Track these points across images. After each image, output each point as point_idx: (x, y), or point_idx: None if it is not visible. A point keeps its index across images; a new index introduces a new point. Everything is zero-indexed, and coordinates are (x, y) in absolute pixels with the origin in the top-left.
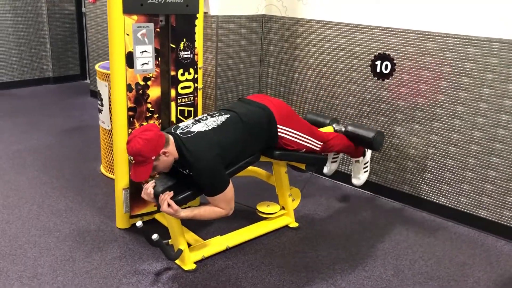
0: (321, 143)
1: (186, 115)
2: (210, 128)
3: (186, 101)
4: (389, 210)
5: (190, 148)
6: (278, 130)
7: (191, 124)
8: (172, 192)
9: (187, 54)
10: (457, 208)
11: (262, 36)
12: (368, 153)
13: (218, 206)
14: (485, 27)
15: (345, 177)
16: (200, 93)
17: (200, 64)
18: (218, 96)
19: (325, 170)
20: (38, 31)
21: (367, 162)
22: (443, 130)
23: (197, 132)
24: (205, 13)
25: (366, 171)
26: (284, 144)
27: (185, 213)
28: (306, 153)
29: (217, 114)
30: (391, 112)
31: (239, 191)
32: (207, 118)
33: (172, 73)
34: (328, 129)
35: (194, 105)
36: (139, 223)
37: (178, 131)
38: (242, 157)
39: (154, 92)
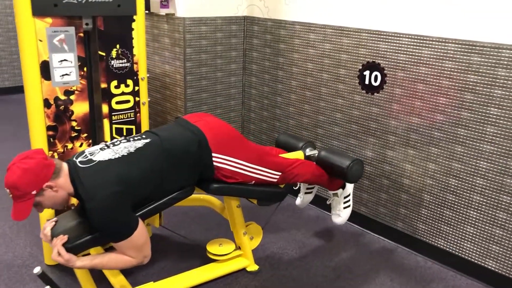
0: (279, 173)
1: (125, 134)
2: (117, 156)
3: (123, 118)
4: (376, 250)
5: (85, 182)
6: (214, 159)
7: (99, 150)
8: (66, 236)
9: (122, 63)
10: (459, 254)
11: (244, 40)
12: (349, 185)
13: (126, 254)
14: (492, 31)
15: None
16: (144, 108)
17: (142, 74)
18: (188, 108)
19: (297, 201)
20: None
21: (349, 195)
22: (442, 157)
23: (99, 161)
24: (172, 14)
25: (348, 206)
26: (223, 176)
27: (82, 262)
28: (256, 186)
29: (137, 138)
30: (382, 133)
31: (190, 223)
32: (119, 143)
33: (103, 85)
34: (297, 155)
35: (135, 122)
36: (36, 270)
37: (79, 159)
38: (162, 193)
39: (80, 108)
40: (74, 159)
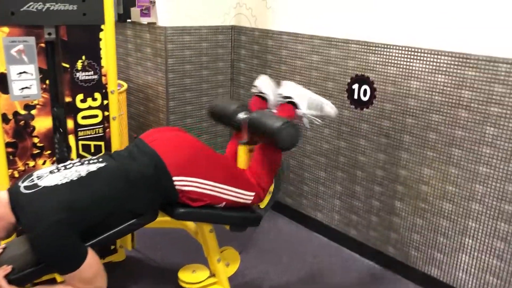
0: (252, 193)
1: (93, 151)
2: (65, 181)
3: (91, 134)
4: (365, 276)
5: (27, 209)
6: (175, 182)
7: (48, 173)
8: (10, 267)
9: (88, 75)
10: (453, 286)
11: (231, 51)
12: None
13: (75, 287)
14: (489, 43)
15: (322, 228)
16: (115, 124)
17: (111, 87)
18: (171, 122)
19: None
20: None
21: (310, 103)
22: (435, 179)
23: (44, 187)
24: (153, 23)
25: (321, 105)
26: (189, 199)
27: None
28: (227, 209)
29: (92, 161)
30: (372, 151)
31: (168, 245)
32: (72, 166)
33: (68, 99)
34: (244, 157)
35: (104, 138)
36: None
37: (25, 184)
38: (118, 219)
39: (42, 123)
40: (19, 183)
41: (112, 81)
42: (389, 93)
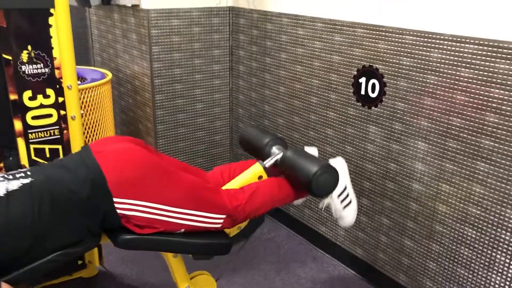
0: (222, 216)
1: (48, 156)
2: None
3: (44, 136)
4: None
5: None
6: (117, 205)
7: None
8: None
9: (37, 69)
10: None
11: (230, 36)
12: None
13: None
14: None
15: (326, 244)
16: (75, 123)
17: (68, 81)
18: (159, 117)
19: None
20: None
21: (344, 189)
22: (455, 197)
23: None
24: (136, 6)
25: (349, 203)
26: (135, 225)
27: None
28: (187, 235)
29: (18, 176)
30: (382, 159)
31: (148, 260)
32: None
33: (13, 96)
34: (253, 172)
35: (61, 141)
36: None
37: None
38: (43, 249)
39: None
40: None
41: (69, 75)
42: (402, 89)
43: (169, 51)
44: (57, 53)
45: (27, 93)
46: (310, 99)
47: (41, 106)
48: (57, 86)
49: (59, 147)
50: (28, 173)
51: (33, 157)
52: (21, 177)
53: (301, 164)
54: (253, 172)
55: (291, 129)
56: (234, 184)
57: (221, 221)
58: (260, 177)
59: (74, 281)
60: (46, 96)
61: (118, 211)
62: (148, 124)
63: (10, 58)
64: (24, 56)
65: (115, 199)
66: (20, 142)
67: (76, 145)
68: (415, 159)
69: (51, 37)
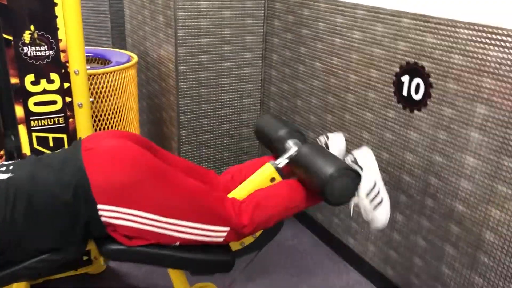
0: (225, 229)
1: (52, 145)
2: None
3: (48, 124)
4: None
5: None
6: (101, 213)
7: None
8: None
9: (40, 51)
10: None
11: (264, 22)
12: (366, 175)
13: None
14: None
15: (354, 259)
16: (83, 112)
17: (75, 66)
18: (182, 107)
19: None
20: None
21: (374, 186)
22: (507, 226)
23: None
24: None
25: (380, 201)
26: (123, 236)
27: None
28: (183, 249)
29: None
30: (422, 172)
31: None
32: None
33: (14, 80)
34: (264, 173)
35: (67, 130)
36: None
37: None
38: (19, 254)
39: None
40: None
41: (76, 59)
42: (450, 93)
43: (196, 35)
44: (63, 35)
45: (29, 77)
46: (346, 96)
47: (45, 91)
48: (63, 71)
49: (64, 136)
50: (10, 167)
51: (36, 146)
52: (1, 171)
53: (315, 164)
54: (264, 174)
55: (324, 128)
56: (243, 189)
57: (224, 234)
58: (273, 179)
59: (80, 276)
60: (50, 81)
61: (103, 218)
62: (171, 113)
63: (10, 38)
64: (26, 36)
65: (99, 206)
66: (22, 129)
67: (83, 136)
68: (461, 175)
69: (56, 16)
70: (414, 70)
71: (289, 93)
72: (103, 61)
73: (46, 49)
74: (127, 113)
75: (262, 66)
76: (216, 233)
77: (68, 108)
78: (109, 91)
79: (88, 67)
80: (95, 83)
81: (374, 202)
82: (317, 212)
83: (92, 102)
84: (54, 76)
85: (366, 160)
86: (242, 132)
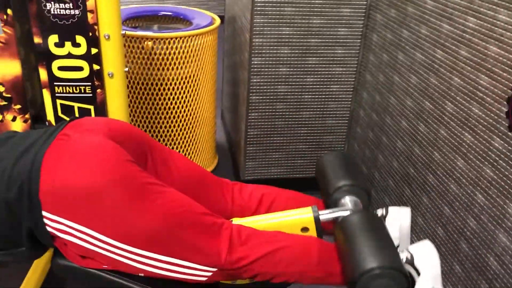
0: (210, 269)
1: (78, 116)
2: None
3: (73, 92)
4: None
5: None
6: (46, 221)
7: None
8: None
9: (65, 9)
10: None
11: None
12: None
13: None
14: None
15: None
16: (112, 83)
17: (106, 30)
18: (254, 84)
19: None
20: None
21: None
22: None
23: None
24: None
25: None
26: (73, 253)
27: None
28: (150, 281)
29: None
30: None
31: None
32: None
33: (36, 39)
34: (290, 221)
35: (94, 101)
36: None
37: None
38: None
39: (7, 67)
40: None
41: (108, 21)
42: None
43: (278, 3)
44: None
45: (53, 38)
46: (445, 104)
47: (70, 55)
48: (90, 34)
49: (91, 108)
50: None
51: (60, 114)
52: None
53: (356, 246)
54: (297, 218)
55: (413, 139)
56: (263, 223)
57: (208, 274)
58: (305, 229)
59: None
60: (76, 45)
61: (49, 228)
62: (243, 92)
63: None
64: None
65: (44, 213)
66: (46, 94)
67: (113, 110)
68: None
69: None
70: None
71: (384, 85)
72: (185, 21)
73: (71, 7)
74: (203, 83)
75: (361, 47)
76: (196, 271)
77: (96, 77)
78: (182, 58)
79: (151, 29)
80: (161, 47)
81: None
82: None
83: (128, 71)
84: (80, 39)
85: (426, 262)
86: (327, 123)
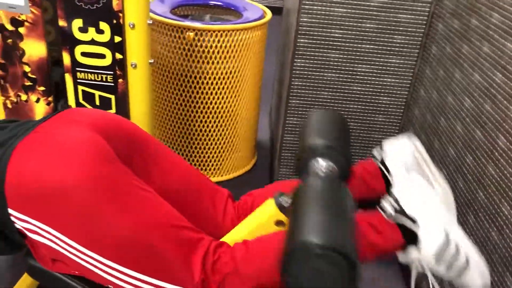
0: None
1: (99, 104)
2: None
3: (94, 80)
4: None
5: None
6: (14, 219)
7: None
8: None
9: None
10: None
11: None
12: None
13: None
14: None
15: None
16: (135, 73)
17: (131, 18)
18: (291, 108)
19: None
20: None
21: (445, 243)
22: None
23: None
24: None
25: (465, 264)
26: (43, 254)
27: None
28: None
29: None
30: None
31: None
32: None
33: (61, 23)
34: (261, 222)
35: (115, 91)
36: None
37: None
38: None
39: (34, 48)
40: None
41: (134, 9)
42: None
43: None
44: None
45: (77, 22)
46: (498, 131)
47: (93, 42)
48: (114, 22)
49: (112, 97)
50: None
51: (81, 101)
52: None
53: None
54: (266, 216)
55: (460, 170)
56: (238, 232)
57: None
58: (279, 223)
59: None
60: (99, 31)
61: (17, 226)
62: (286, 81)
63: None
64: None
65: (10, 210)
66: (68, 79)
67: (135, 101)
68: None
69: None
70: None
71: (437, 105)
72: (236, 13)
73: None
74: (246, 79)
75: (418, 58)
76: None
77: (118, 66)
78: (218, 52)
79: (187, 21)
80: (202, 40)
81: (455, 267)
82: None
83: (153, 63)
84: (104, 26)
85: (424, 201)
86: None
